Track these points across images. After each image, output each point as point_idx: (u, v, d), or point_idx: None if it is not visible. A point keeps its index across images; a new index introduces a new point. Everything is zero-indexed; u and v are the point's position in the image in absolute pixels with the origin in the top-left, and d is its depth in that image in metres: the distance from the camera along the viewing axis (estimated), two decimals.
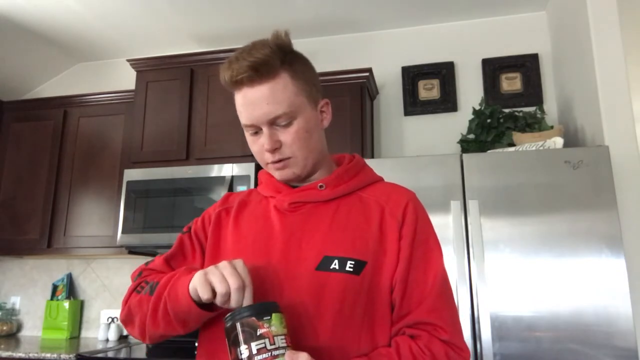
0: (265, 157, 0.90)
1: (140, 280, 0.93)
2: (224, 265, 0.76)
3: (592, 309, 1.69)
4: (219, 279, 0.74)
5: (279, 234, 0.89)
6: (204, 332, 0.90)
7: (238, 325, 0.72)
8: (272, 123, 0.86)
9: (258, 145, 0.90)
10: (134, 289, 0.92)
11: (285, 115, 0.86)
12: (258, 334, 0.71)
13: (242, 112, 0.88)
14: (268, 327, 0.71)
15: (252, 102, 0.86)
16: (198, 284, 0.76)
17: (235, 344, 0.72)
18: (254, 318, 0.72)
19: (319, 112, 0.94)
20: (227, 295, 0.74)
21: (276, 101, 0.85)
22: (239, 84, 0.86)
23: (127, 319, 0.91)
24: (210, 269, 0.76)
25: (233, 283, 0.73)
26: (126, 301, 0.92)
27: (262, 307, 0.73)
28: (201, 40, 3.06)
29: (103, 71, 3.37)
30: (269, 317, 0.72)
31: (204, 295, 0.75)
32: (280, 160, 0.89)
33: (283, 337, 0.72)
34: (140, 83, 2.78)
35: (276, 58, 0.85)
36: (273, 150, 0.88)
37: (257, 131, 0.89)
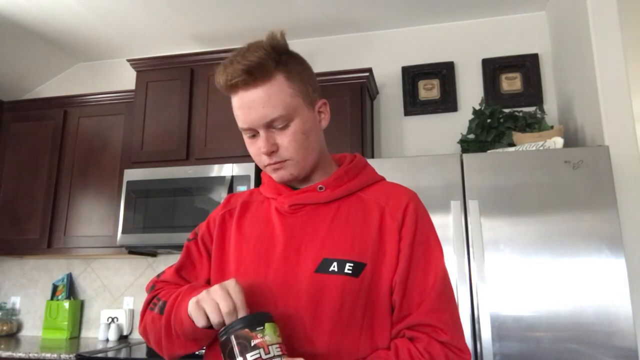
0: (262, 160, 0.90)
1: (153, 295, 0.94)
2: (215, 290, 0.76)
3: (592, 309, 1.69)
4: (211, 308, 0.75)
5: (280, 237, 0.89)
6: (210, 345, 0.90)
7: (232, 338, 0.73)
8: (269, 126, 0.86)
9: (255, 147, 0.89)
10: (148, 304, 0.93)
11: (282, 118, 0.85)
12: (252, 344, 0.71)
13: (239, 115, 0.88)
14: (262, 337, 0.72)
15: (248, 106, 0.85)
16: (192, 313, 0.77)
17: (230, 357, 0.72)
18: (247, 329, 0.72)
19: (317, 112, 0.93)
20: (222, 322, 0.75)
21: (272, 104, 0.84)
22: (234, 87, 0.86)
23: (144, 334, 0.92)
24: (202, 296, 0.77)
25: (224, 307, 0.74)
26: (143, 315, 0.93)
27: (255, 318, 0.74)
28: (201, 40, 3.06)
29: (103, 71, 3.37)
30: (262, 327, 0.73)
31: (199, 324, 0.76)
32: (277, 162, 0.88)
33: (277, 345, 0.73)
34: (140, 83, 2.78)
35: (270, 60, 0.84)
36: (270, 153, 0.87)
37: (254, 134, 0.88)
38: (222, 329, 0.74)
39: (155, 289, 0.95)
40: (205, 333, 0.80)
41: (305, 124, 0.88)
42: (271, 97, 0.84)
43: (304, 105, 0.89)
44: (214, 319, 0.75)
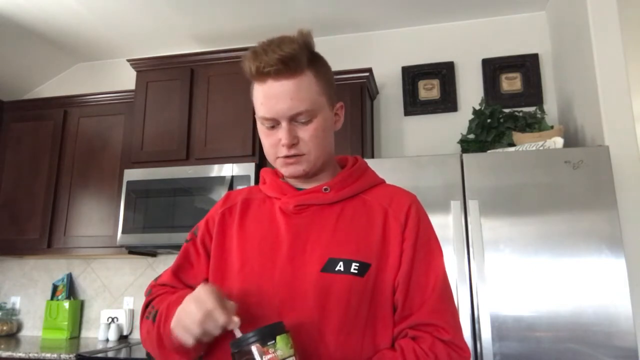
0: (278, 152, 0.90)
1: (148, 300, 0.94)
2: (187, 302, 0.76)
3: (592, 309, 1.69)
4: (190, 322, 0.75)
5: (285, 236, 0.89)
6: (208, 354, 0.90)
7: (243, 354, 0.71)
8: (293, 119, 0.87)
9: (273, 139, 0.89)
10: (145, 312, 0.92)
11: (307, 113, 0.87)
12: None
13: (263, 104, 0.88)
14: (274, 352, 0.70)
15: (275, 96, 0.86)
16: (177, 333, 0.77)
17: None
18: (258, 344, 0.70)
19: (334, 114, 0.96)
20: (206, 333, 0.75)
21: (300, 98, 0.86)
22: (264, 75, 0.86)
23: (144, 344, 0.92)
24: (179, 313, 0.77)
25: (199, 317, 0.73)
26: (141, 322, 0.92)
27: (266, 332, 0.71)
28: (201, 40, 3.06)
29: (103, 71, 3.37)
30: (274, 341, 0.71)
31: (187, 343, 0.77)
32: (294, 156, 0.89)
33: (291, 358, 0.71)
34: (140, 83, 2.78)
35: (304, 55, 0.86)
36: (290, 146, 0.88)
37: (274, 125, 0.89)
38: (234, 341, 0.72)
39: (152, 294, 0.95)
40: (195, 346, 0.79)
41: (325, 122, 0.91)
42: (300, 91, 0.86)
43: (326, 105, 0.91)
44: (195, 333, 0.74)
